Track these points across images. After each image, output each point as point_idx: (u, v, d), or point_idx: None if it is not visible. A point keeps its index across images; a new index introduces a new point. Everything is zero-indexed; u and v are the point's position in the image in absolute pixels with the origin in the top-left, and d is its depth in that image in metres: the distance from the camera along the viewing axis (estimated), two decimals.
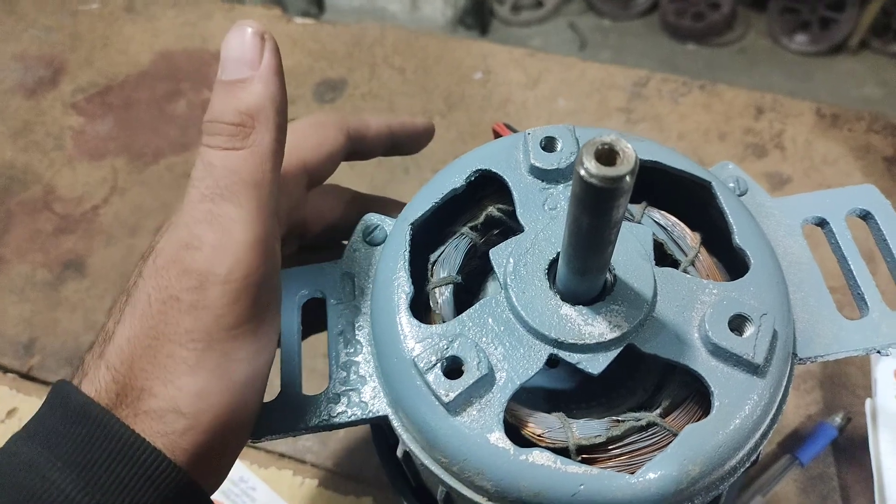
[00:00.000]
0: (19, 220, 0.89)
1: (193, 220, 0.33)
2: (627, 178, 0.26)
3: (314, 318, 0.44)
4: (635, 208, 0.43)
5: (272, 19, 1.05)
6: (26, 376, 0.77)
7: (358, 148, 0.46)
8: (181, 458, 0.33)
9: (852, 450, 0.63)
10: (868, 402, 0.62)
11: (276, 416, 0.39)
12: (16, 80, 1.05)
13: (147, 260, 0.35)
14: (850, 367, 0.67)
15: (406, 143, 0.49)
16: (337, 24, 1.03)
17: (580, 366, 0.35)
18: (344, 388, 0.40)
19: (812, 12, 2.75)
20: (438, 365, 0.35)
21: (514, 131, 0.57)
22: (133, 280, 0.35)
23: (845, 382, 0.66)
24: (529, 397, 0.42)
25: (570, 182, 0.37)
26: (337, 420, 0.39)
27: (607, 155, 0.26)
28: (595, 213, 0.28)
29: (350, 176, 0.87)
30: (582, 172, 0.26)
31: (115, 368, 0.33)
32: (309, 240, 0.47)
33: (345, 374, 0.40)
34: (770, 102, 0.82)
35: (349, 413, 0.39)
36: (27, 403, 0.75)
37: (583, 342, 0.35)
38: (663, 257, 0.42)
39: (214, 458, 0.35)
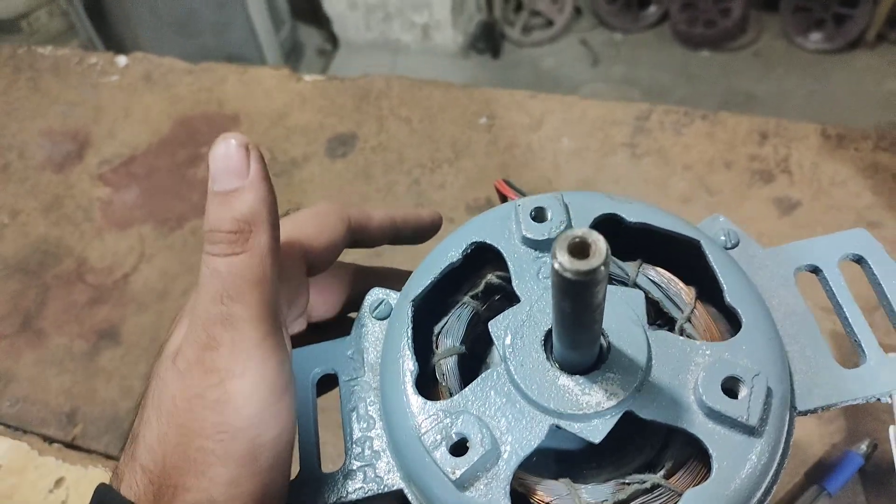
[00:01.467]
0: (55, 294, 0.93)
1: (209, 322, 0.36)
2: (601, 268, 0.27)
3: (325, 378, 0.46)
4: (630, 267, 0.44)
5: (282, 79, 1.09)
6: (71, 445, 0.81)
7: (360, 238, 0.48)
8: None
9: (880, 476, 0.62)
10: (892, 428, 0.61)
11: (296, 495, 0.41)
12: (44, 155, 1.10)
13: (164, 362, 0.37)
14: None
15: (410, 235, 0.51)
16: (345, 79, 1.06)
17: (581, 435, 0.36)
18: (359, 464, 0.41)
19: (825, 9, 2.72)
20: (444, 443, 0.36)
21: (515, 188, 0.59)
22: (152, 382, 0.38)
23: (869, 409, 0.65)
24: (539, 459, 0.43)
25: None
26: (354, 496, 0.41)
27: (580, 248, 0.28)
28: (575, 301, 0.30)
29: None
30: (556, 266, 0.27)
31: (150, 470, 0.36)
32: (317, 318, 0.49)
33: (360, 449, 0.42)
34: (774, 127, 0.83)
35: (366, 489, 0.41)
36: (73, 472, 0.78)
37: (581, 412, 0.36)
38: (660, 314, 0.43)
39: None
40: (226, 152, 0.37)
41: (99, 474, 0.76)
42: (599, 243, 0.28)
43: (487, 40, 3.22)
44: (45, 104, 1.18)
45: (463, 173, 0.89)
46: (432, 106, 0.97)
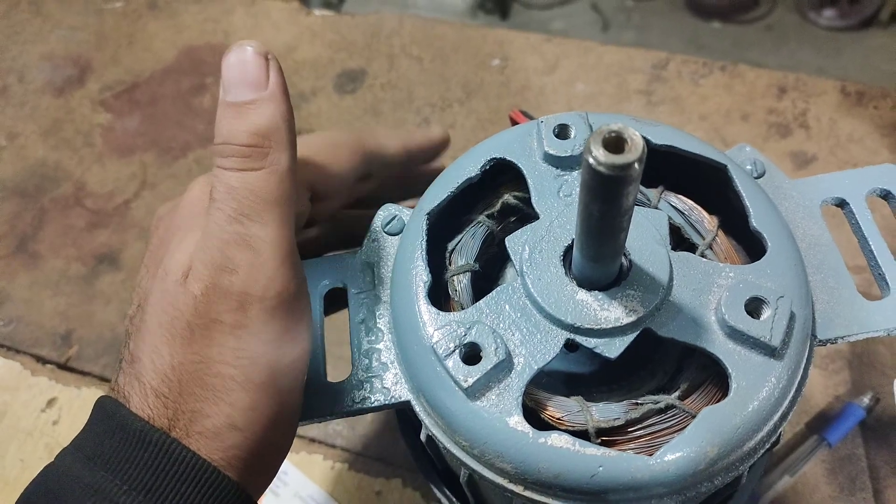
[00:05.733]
0: (52, 217, 0.91)
1: (224, 243, 0.34)
2: (636, 165, 0.26)
3: (330, 302, 0.45)
4: (652, 193, 0.43)
5: (291, 12, 1.06)
6: (64, 367, 0.80)
7: (375, 170, 0.46)
8: (238, 468, 0.35)
9: (881, 430, 0.62)
10: (895, 382, 0.61)
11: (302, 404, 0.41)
12: (44, 79, 1.08)
13: (168, 282, 0.35)
14: (879, 346, 0.66)
15: (422, 156, 0.49)
16: (356, 15, 1.03)
17: (597, 350, 0.36)
18: (367, 375, 0.41)
19: None
20: (457, 351, 0.35)
21: (531, 118, 0.57)
22: (155, 304, 0.36)
23: (874, 362, 0.65)
24: (549, 381, 0.43)
25: None
26: (360, 406, 0.40)
27: (615, 143, 0.27)
28: (605, 201, 0.29)
29: None
30: (590, 161, 0.26)
31: (164, 395, 0.34)
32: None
33: (367, 361, 0.41)
34: (793, 82, 0.81)
35: (372, 399, 0.40)
36: (66, 393, 0.78)
37: (599, 327, 0.35)
38: (680, 241, 0.42)
39: (267, 460, 0.37)
40: (241, 59, 0.34)
41: (93, 394, 0.76)
42: (636, 138, 0.27)
43: (496, 0, 3.16)
44: (46, 28, 1.15)
45: (474, 114, 0.87)
46: (445, 46, 0.95)
